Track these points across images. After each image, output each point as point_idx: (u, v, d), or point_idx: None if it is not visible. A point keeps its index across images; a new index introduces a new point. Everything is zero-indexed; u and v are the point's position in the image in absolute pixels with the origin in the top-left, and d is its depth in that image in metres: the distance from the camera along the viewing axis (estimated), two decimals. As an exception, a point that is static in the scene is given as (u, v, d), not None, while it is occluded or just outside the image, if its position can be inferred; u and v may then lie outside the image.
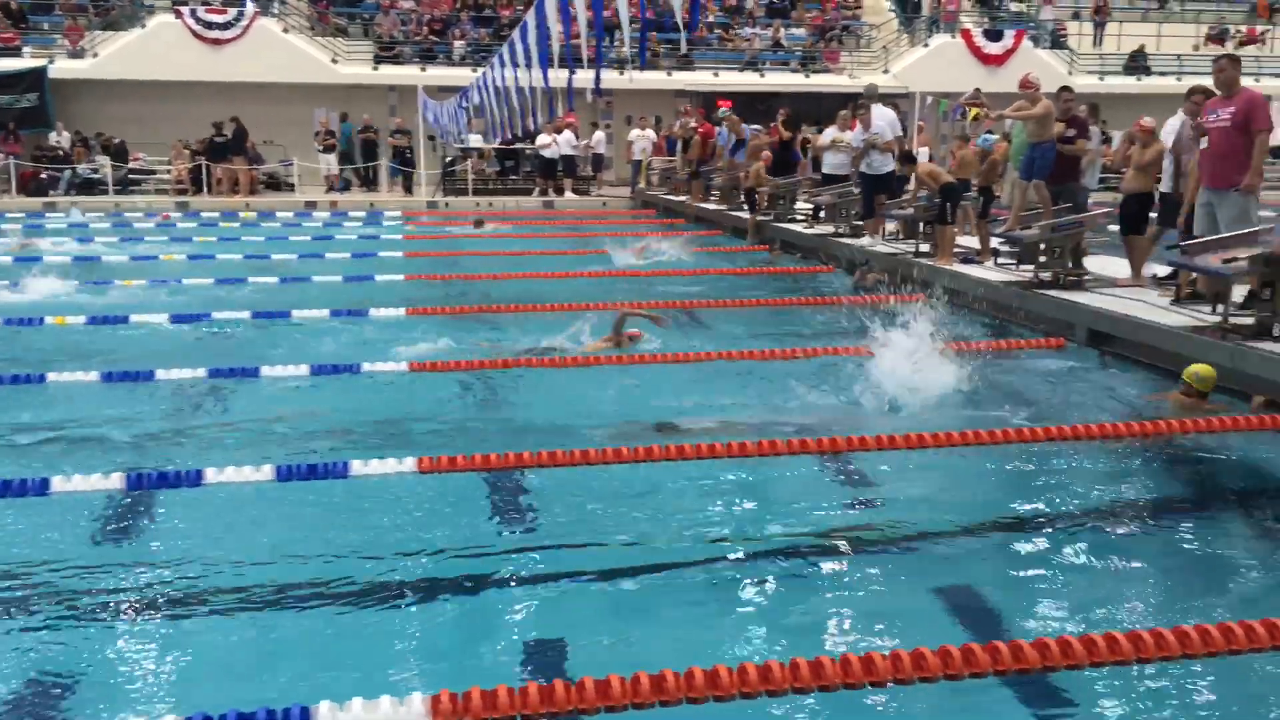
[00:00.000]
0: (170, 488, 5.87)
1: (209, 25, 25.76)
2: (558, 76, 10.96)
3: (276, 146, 26.35)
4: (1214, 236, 8.47)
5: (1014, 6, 31.76)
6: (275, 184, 26.14)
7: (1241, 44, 30.85)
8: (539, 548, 5.35)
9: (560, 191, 25.20)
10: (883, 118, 13.95)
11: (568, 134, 25.17)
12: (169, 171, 25.23)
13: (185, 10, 25.87)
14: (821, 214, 16.00)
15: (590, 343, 9.11)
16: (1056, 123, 10.85)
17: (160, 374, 8.20)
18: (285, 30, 26.85)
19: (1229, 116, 8.49)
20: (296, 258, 15.52)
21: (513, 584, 4.90)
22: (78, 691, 4.03)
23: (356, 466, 6.10)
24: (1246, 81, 9.67)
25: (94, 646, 4.34)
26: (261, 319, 10.78)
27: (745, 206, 17.48)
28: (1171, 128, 10.12)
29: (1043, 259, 10.45)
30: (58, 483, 5.81)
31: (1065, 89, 11.45)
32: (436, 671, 4.13)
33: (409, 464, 6.15)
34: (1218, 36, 31.49)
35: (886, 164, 13.71)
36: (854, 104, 15.05)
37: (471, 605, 4.77)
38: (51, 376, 8.16)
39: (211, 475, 5.93)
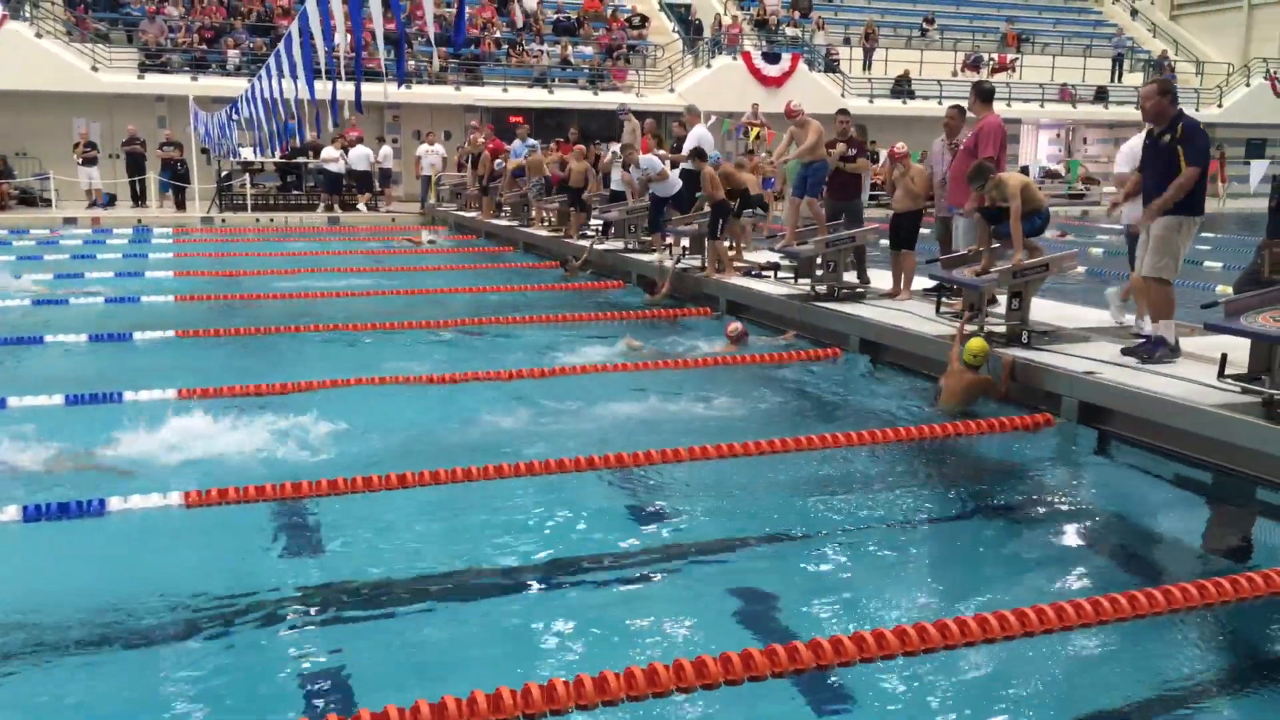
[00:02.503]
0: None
1: (-51, 27, 23.60)
2: (323, 89, 10.63)
3: (30, 159, 24.41)
4: (960, 253, 9.13)
5: (790, 31, 33.20)
6: (29, 199, 24.20)
7: (994, 71, 33.36)
8: (323, 578, 5.14)
9: (350, 207, 24.46)
10: (693, 137, 14.15)
11: (362, 148, 24.51)
12: (-97, 185, 22.96)
13: (-80, 10, 23.64)
14: (611, 230, 16.19)
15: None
16: (838, 143, 11.38)
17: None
18: (39, 35, 24.93)
19: (966, 141, 9.23)
20: (52, 277, 14.41)
21: (300, 616, 4.68)
22: None
23: (115, 503, 5.68)
24: (998, 106, 10.44)
25: None
26: (8, 345, 9.92)
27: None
28: (935, 152, 10.75)
29: (819, 273, 10.93)
30: None
31: (843, 111, 11.96)
32: (214, 711, 3.91)
33: (174, 498, 5.79)
34: (973, 64, 33.95)
35: (670, 188, 13.89)
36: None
37: (256, 642, 4.52)
38: None
39: (-56, 520, 5.38)
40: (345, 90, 9.70)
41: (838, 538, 5.75)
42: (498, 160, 21.14)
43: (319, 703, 4.02)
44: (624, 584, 5.14)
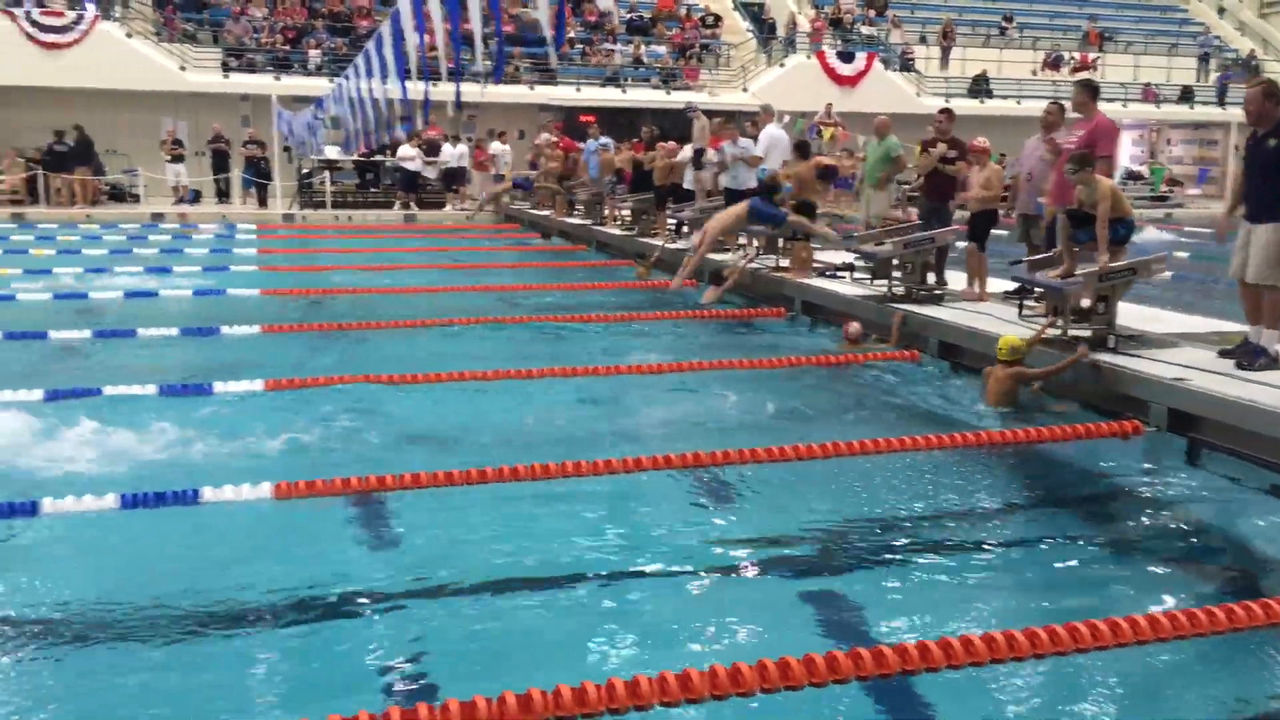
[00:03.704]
0: (2, 519, 5.50)
1: (45, 28, 24.41)
2: (415, 89, 10.81)
3: (120, 156, 25.17)
4: (1048, 254, 8.95)
5: (865, 30, 32.90)
6: (119, 195, 24.96)
7: (1075, 70, 32.68)
8: (403, 569, 5.23)
9: (426, 205, 24.81)
10: (765, 137, 14.12)
11: (461, 147, 24.87)
12: (1, 181, 23.78)
13: (18, 12, 24.46)
14: (685, 229, 16.20)
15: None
16: (938, 142, 11.24)
17: (-9, 395, 7.70)
18: (129, 35, 25.69)
19: (1076, 141, 8.98)
20: (143, 271, 14.84)
21: (379, 607, 4.78)
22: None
23: (208, 493, 5.84)
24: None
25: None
26: (104, 337, 10.25)
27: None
28: (1029, 149, 10.54)
29: (897, 274, 10.82)
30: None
31: (944, 111, 11.76)
32: (307, 700, 4.00)
33: (265, 489, 5.93)
34: (1053, 63, 33.31)
35: (750, 180, 13.90)
36: (723, 120, 15.26)
37: (336, 632, 4.62)
38: None
39: (49, 505, 5.58)
40: (445, 90, 9.85)
41: (915, 542, 5.69)
42: (570, 157, 21.30)
43: (394, 693, 4.09)
44: (695, 584, 5.15)
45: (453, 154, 25.77)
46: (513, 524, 5.87)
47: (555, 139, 22.83)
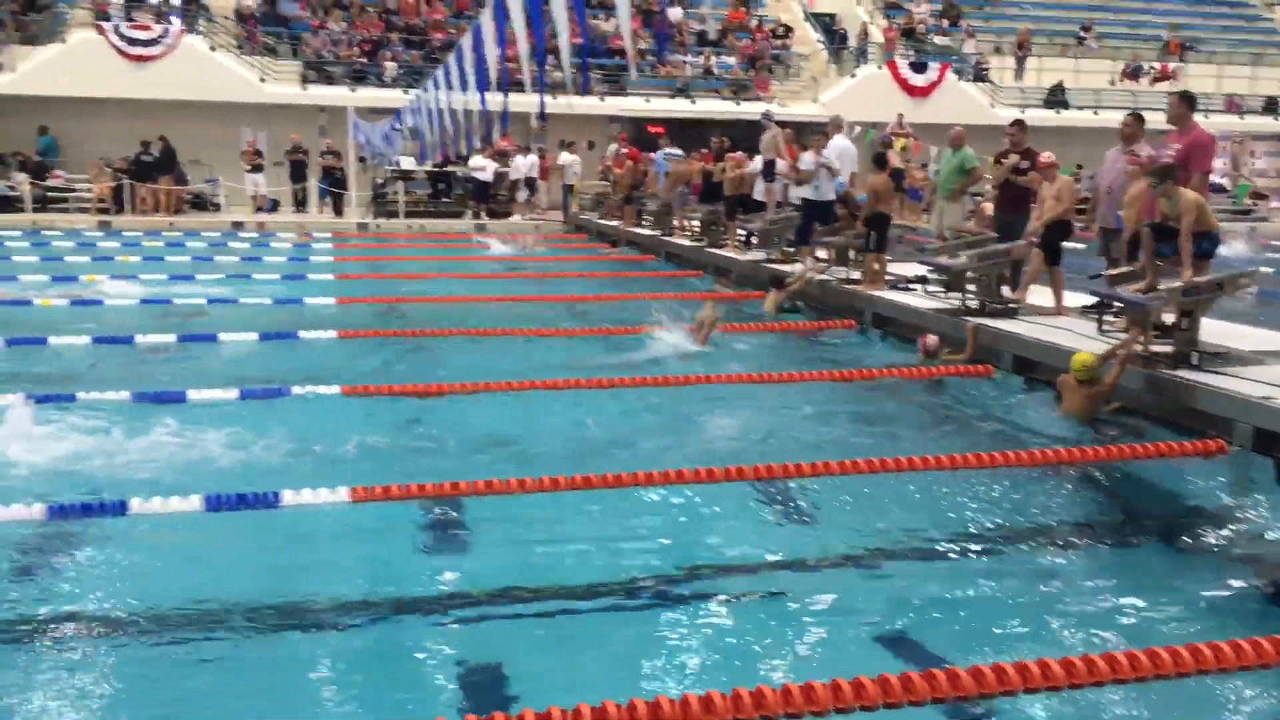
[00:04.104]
0: (93, 518, 5.69)
1: (133, 42, 25.20)
2: (494, 100, 10.96)
3: (202, 166, 25.86)
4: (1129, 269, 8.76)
5: (939, 40, 32.55)
6: (200, 204, 25.62)
7: (1155, 80, 31.97)
8: (475, 574, 5.30)
9: (493, 215, 25.09)
10: (834, 149, 14.07)
11: (532, 157, 25.14)
12: (89, 190, 24.57)
13: (108, 26, 25.29)
14: (754, 240, 16.18)
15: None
16: (1010, 153, 11.11)
17: (82, 396, 7.96)
18: (212, 48, 26.40)
19: (1173, 155, 8.77)
20: (224, 278, 15.23)
21: (451, 612, 4.84)
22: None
23: (288, 496, 5.97)
24: (1157, 117, 9.99)
25: (4, 676, 4.19)
26: (188, 342, 10.54)
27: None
28: (1109, 161, 10.32)
29: (970, 287, 10.67)
30: (-27, 512, 5.60)
31: (1016, 122, 11.61)
32: (379, 700, 4.07)
33: (342, 493, 6.05)
34: (1133, 73, 32.61)
35: (830, 192, 13.82)
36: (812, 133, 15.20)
37: (409, 635, 4.70)
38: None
39: (137, 505, 5.75)
40: (524, 101, 9.99)
41: (989, 561, 5.61)
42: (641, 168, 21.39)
43: (462, 698, 4.13)
44: (765, 598, 5.13)
45: (523, 164, 26.02)
46: (583, 533, 5.91)
47: (624, 150, 22.96)
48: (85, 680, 4.20)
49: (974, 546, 5.82)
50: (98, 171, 24.39)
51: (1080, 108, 30.96)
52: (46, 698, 4.06)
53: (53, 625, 4.63)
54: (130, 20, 25.78)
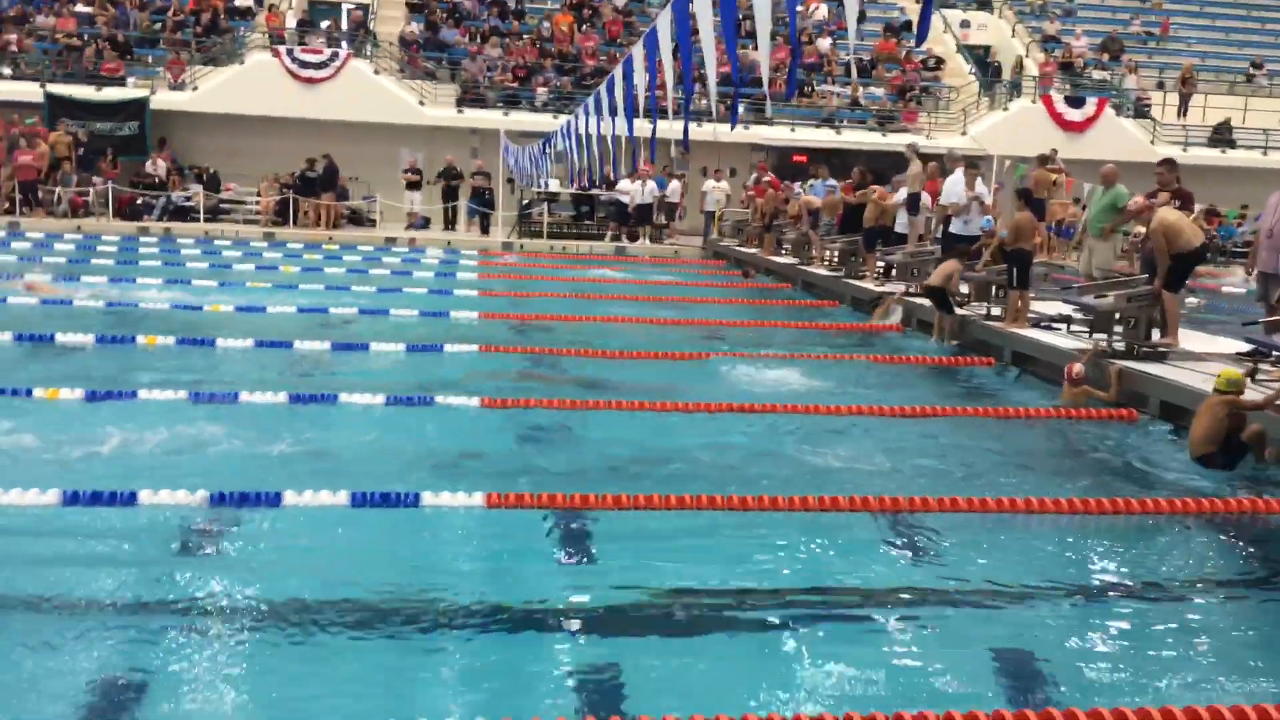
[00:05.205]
0: (251, 506, 6.10)
1: (304, 64, 26.69)
2: (642, 127, 11.24)
3: (360, 182, 27.12)
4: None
5: (1097, 75, 31.60)
6: (357, 219, 26.85)
7: (1331, 120, 30.27)
8: (600, 586, 5.46)
9: (633, 238, 25.53)
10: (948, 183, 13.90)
11: (650, 184, 25.54)
12: (257, 202, 26.09)
13: (283, 50, 26.88)
14: (893, 273, 16.03)
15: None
16: (1159, 193, 10.82)
17: (244, 397, 8.51)
18: (376, 72, 27.72)
19: None
20: (375, 291, 15.95)
21: (573, 620, 5.02)
22: (147, 690, 4.22)
23: (427, 498, 6.28)
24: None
25: (160, 652, 4.52)
26: (340, 350, 11.11)
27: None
28: (1272, 203, 9.91)
29: (1117, 329, 10.37)
30: (145, 496, 6.08)
31: (1165, 161, 11.31)
32: (499, 698, 4.26)
33: (477, 498, 6.32)
34: (1307, 112, 30.95)
35: (977, 227, 13.61)
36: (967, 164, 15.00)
37: (532, 638, 4.88)
38: (142, 394, 8.51)
39: (290, 497, 6.15)
40: (670, 129, 10.24)
41: (1115, 609, 5.46)
42: (784, 197, 21.45)
43: (580, 705, 4.26)
44: (883, 628, 5.13)
45: (670, 190, 26.42)
46: (708, 552, 6.02)
47: (765, 178, 23.06)
48: (223, 660, 4.48)
49: (1099, 594, 5.68)
50: (266, 185, 25.87)
51: (1249, 147, 29.56)
52: (187, 673, 4.37)
53: (201, 604, 4.96)
54: (303, 44, 27.33)
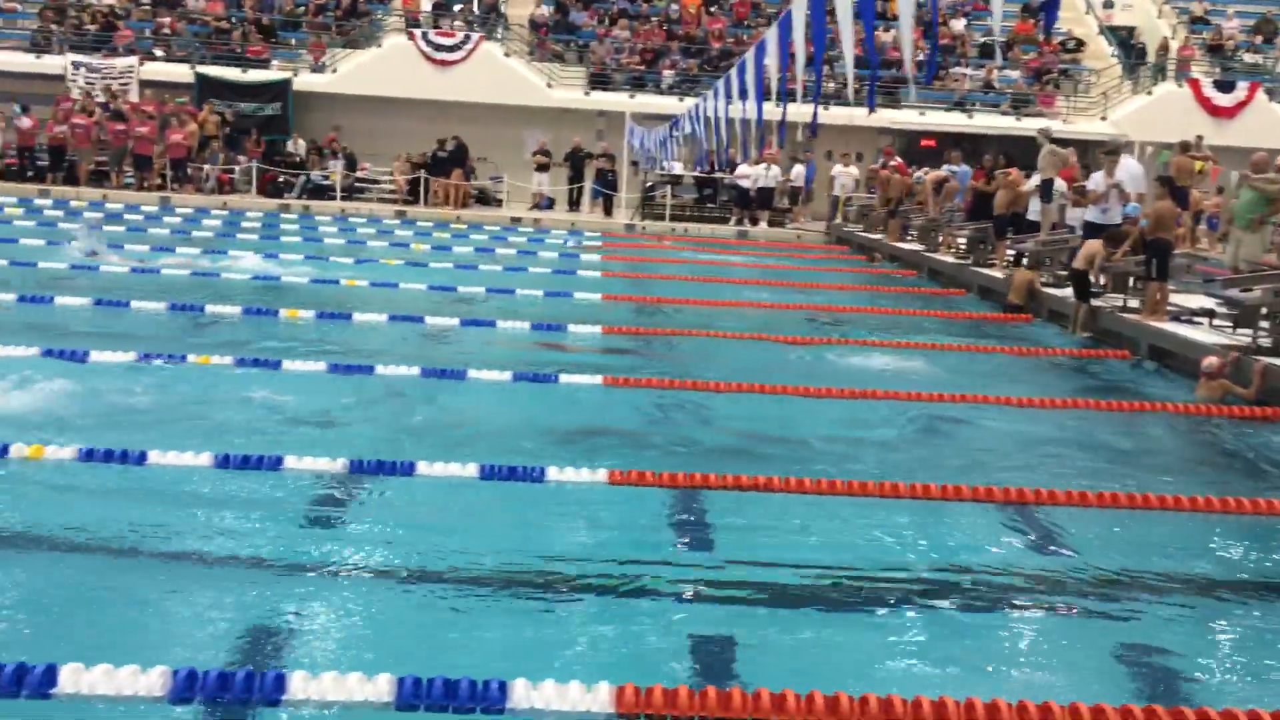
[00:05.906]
0: (386, 475, 6.38)
1: (438, 47, 27.37)
2: (772, 111, 11.22)
3: (488, 163, 27.68)
4: None
5: (1249, 58, 30.02)
6: (484, 199, 27.44)
7: None
8: (717, 563, 5.55)
9: (755, 222, 25.44)
10: (1127, 170, 13.40)
11: (774, 169, 25.42)
12: (391, 181, 26.90)
13: (418, 33, 27.61)
14: (1024, 261, 15.61)
15: None
16: None
17: (379, 370, 8.86)
18: (506, 54, 28.21)
19: None
20: (502, 270, 16.32)
21: (691, 595, 5.12)
22: (286, 638, 4.49)
23: (552, 473, 6.45)
24: None
25: (298, 605, 4.80)
26: (469, 326, 11.43)
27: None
28: None
29: (1264, 324, 9.93)
30: (290, 461, 6.41)
31: None
32: (617, 666, 4.39)
33: (601, 474, 6.47)
34: None
35: (1117, 216, 13.16)
36: (1103, 151, 14.52)
37: (650, 610, 5.01)
38: (285, 364, 8.94)
39: (423, 467, 6.41)
40: (798, 113, 10.24)
41: (1249, 611, 5.30)
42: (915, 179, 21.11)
43: (699, 672, 4.37)
44: (1003, 618, 5.12)
45: (794, 174, 26.22)
46: (825, 535, 6.05)
47: (892, 162, 22.70)
48: (354, 620, 4.73)
49: (1230, 594, 5.51)
50: (399, 165, 26.65)
51: None
52: (320, 627, 4.64)
53: (334, 566, 5.21)
54: (437, 27, 28.00)
